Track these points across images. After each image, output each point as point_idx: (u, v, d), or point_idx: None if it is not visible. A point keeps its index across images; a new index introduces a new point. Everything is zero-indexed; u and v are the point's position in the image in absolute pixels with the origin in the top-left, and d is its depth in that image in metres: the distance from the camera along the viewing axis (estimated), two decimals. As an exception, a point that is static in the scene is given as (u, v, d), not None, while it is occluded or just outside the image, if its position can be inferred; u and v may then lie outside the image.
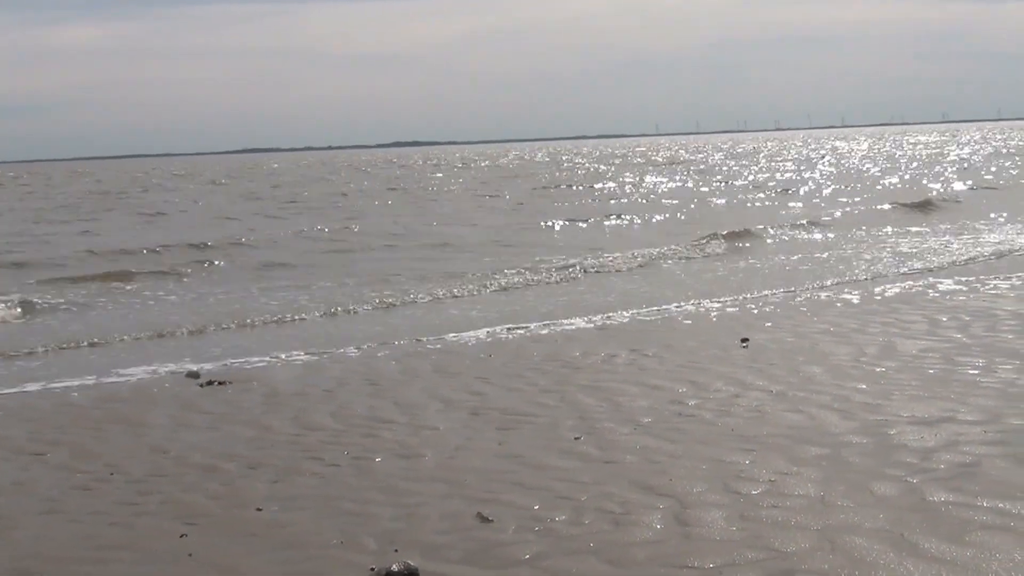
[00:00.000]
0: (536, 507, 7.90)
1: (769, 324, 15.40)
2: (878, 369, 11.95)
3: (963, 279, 19.36)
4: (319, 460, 9.51)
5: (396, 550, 7.21)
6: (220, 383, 12.92)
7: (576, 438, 9.76)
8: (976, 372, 11.54)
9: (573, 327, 16.09)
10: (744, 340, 14.05)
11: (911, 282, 19.41)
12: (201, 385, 12.90)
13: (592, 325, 16.20)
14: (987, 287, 18.07)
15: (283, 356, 14.70)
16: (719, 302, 18.02)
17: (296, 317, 18.68)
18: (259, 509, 8.23)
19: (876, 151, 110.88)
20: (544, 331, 15.83)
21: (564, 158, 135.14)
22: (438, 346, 14.97)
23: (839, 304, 17.08)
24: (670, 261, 25.82)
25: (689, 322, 16.11)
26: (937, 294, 17.60)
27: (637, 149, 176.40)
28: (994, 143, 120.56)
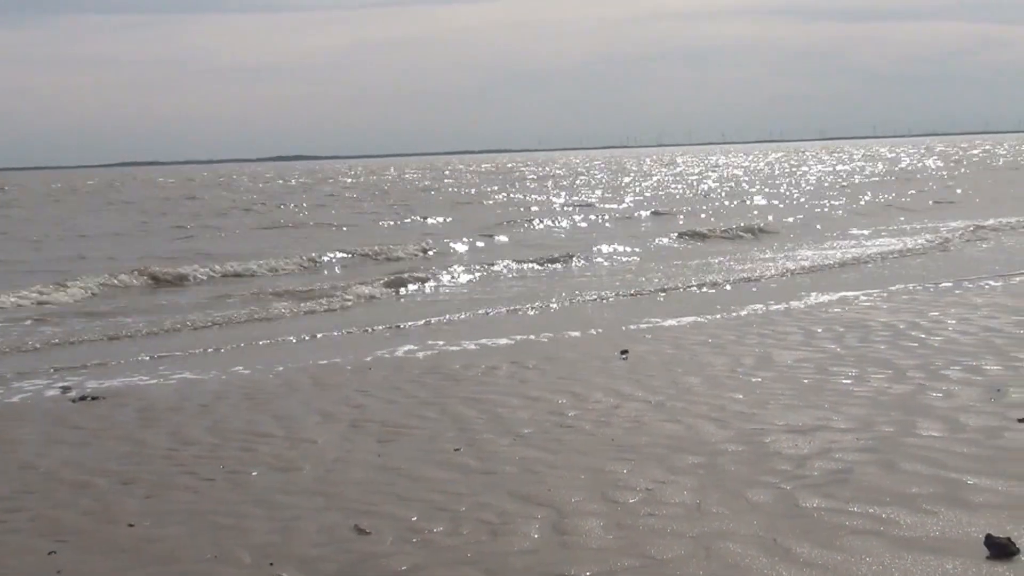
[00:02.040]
0: (414, 518, 7.86)
1: (649, 336, 15.54)
2: (754, 379, 12.12)
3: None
4: (194, 475, 9.35)
5: (271, 564, 7.11)
6: (93, 398, 12.66)
7: (456, 449, 9.74)
8: (849, 381, 11.75)
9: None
10: (624, 352, 14.16)
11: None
12: (73, 400, 12.63)
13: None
14: (861, 300, 18.45)
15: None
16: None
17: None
18: (131, 525, 8.06)
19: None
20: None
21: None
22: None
23: (720, 316, 17.31)
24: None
25: (575, 334, 16.19)
26: (812, 306, 17.93)
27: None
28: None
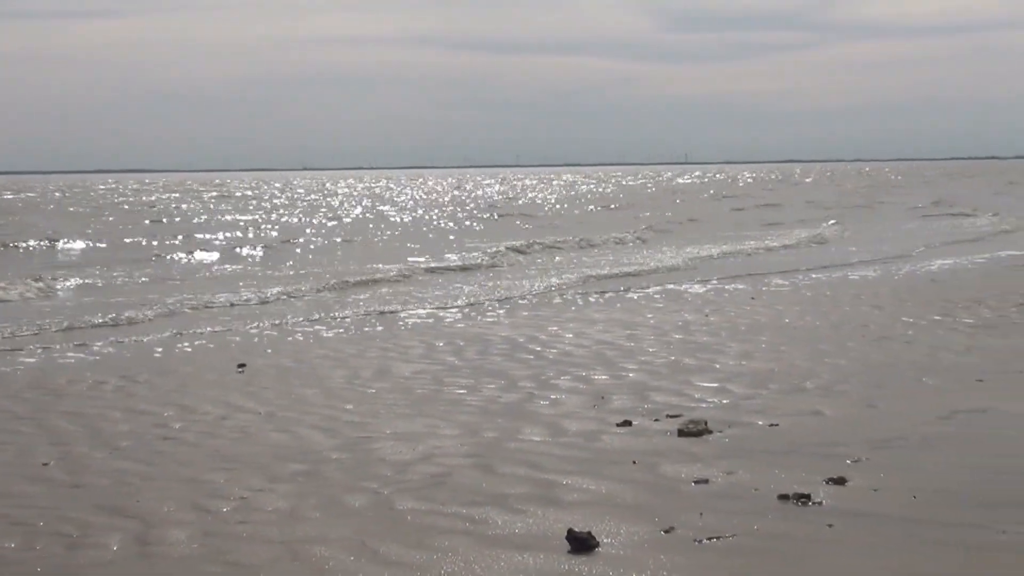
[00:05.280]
0: (-15, 535, 7.33)
1: (270, 350, 15.25)
2: (370, 390, 12.06)
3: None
4: None
5: None
6: None
7: (44, 464, 9.20)
8: (463, 391, 11.87)
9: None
10: (241, 365, 13.83)
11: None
12: None
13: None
14: (485, 316, 18.74)
15: None
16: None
17: None
18: None
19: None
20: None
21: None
22: None
23: (338, 330, 17.17)
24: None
25: (188, 347, 15.69)
26: (433, 320, 18.08)
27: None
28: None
